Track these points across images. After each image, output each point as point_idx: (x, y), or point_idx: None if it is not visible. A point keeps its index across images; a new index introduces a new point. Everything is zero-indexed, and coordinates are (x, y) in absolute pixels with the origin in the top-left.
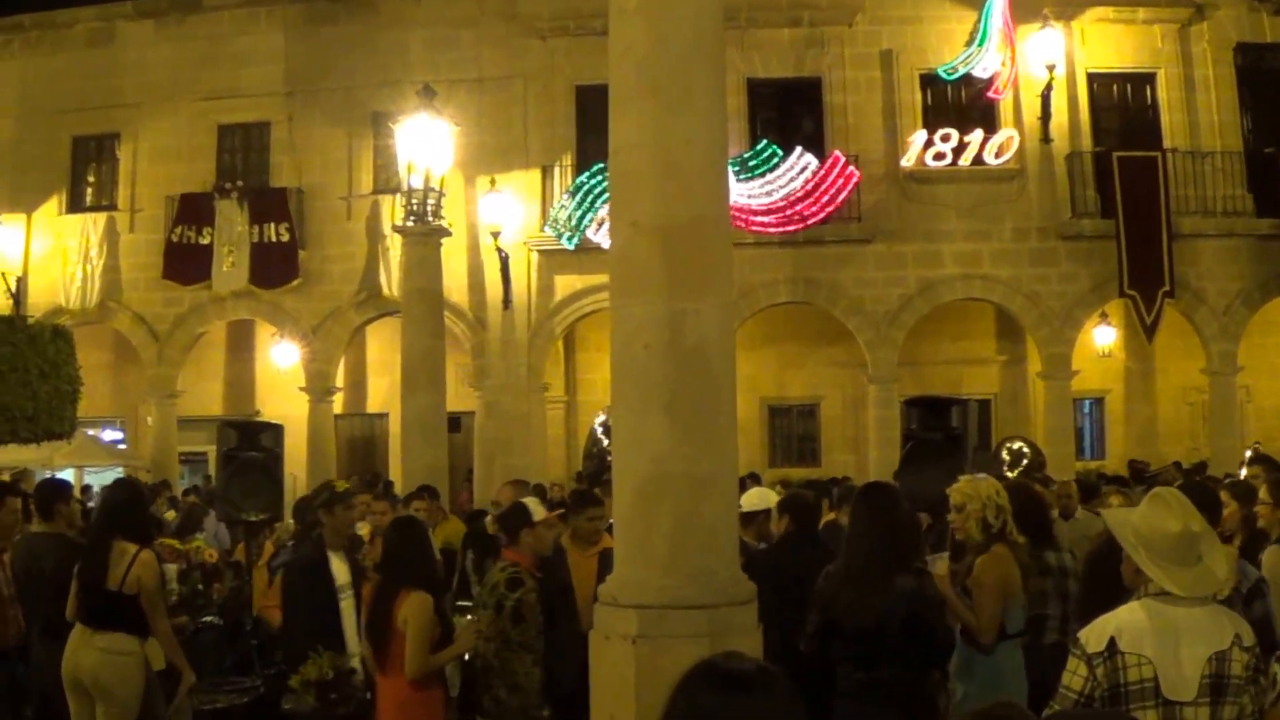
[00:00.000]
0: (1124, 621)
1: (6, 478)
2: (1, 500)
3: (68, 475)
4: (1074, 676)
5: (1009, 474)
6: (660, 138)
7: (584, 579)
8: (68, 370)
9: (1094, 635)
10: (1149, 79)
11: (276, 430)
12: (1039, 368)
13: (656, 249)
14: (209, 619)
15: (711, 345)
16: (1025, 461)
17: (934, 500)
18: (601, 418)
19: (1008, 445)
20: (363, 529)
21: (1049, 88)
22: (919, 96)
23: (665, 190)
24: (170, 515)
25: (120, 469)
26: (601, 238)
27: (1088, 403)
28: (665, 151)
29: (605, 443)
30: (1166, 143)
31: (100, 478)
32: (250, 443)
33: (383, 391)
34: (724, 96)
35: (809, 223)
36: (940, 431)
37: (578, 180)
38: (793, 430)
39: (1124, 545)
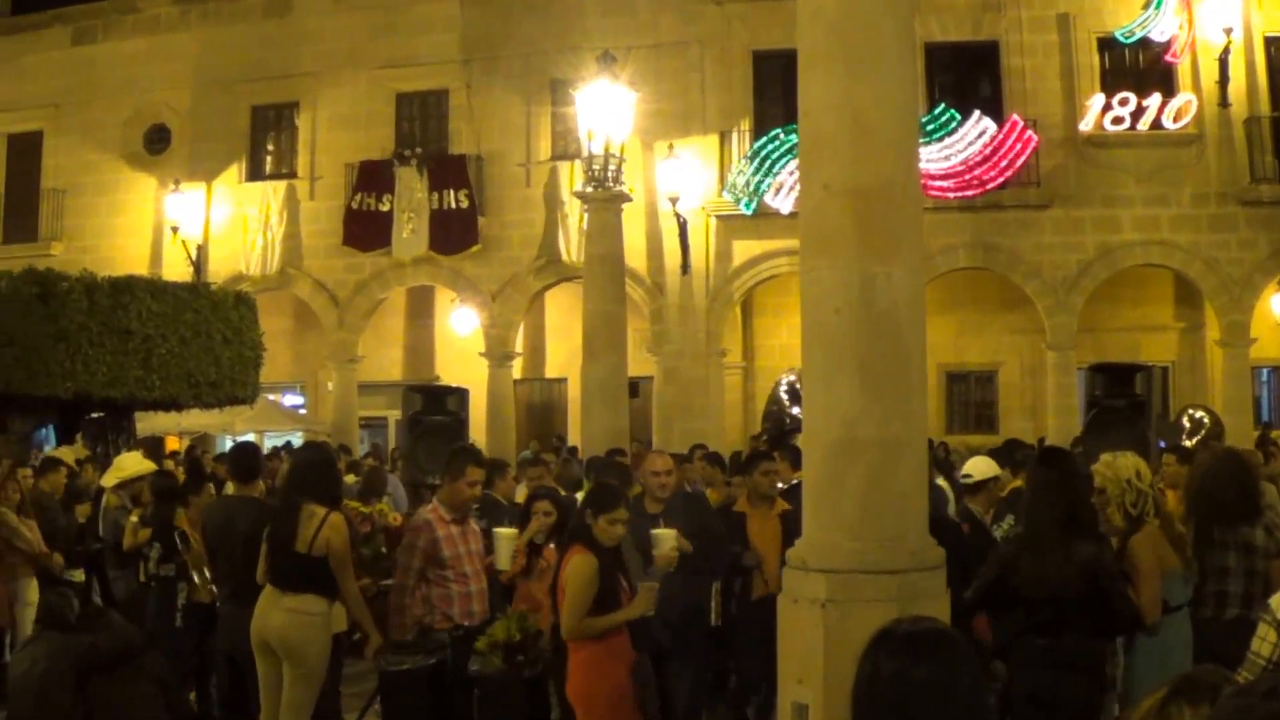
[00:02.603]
0: None
1: (187, 443)
2: (201, 486)
3: (248, 439)
4: (1263, 643)
5: (1188, 442)
6: (850, 100)
7: (767, 540)
8: (250, 336)
9: None
10: None
11: (461, 394)
12: (1217, 335)
13: (847, 212)
14: (390, 582)
15: (902, 309)
16: (1204, 430)
17: None
18: (785, 380)
19: (1189, 413)
20: (520, 494)
21: (1226, 51)
22: (1096, 60)
23: (856, 153)
24: (350, 479)
25: (300, 434)
26: (780, 203)
27: (1265, 371)
28: (856, 114)
29: (787, 404)
30: None
31: (276, 442)
32: (436, 407)
33: (561, 356)
34: (913, 58)
35: (987, 187)
36: (1124, 398)
37: (755, 145)
38: (970, 397)
39: None
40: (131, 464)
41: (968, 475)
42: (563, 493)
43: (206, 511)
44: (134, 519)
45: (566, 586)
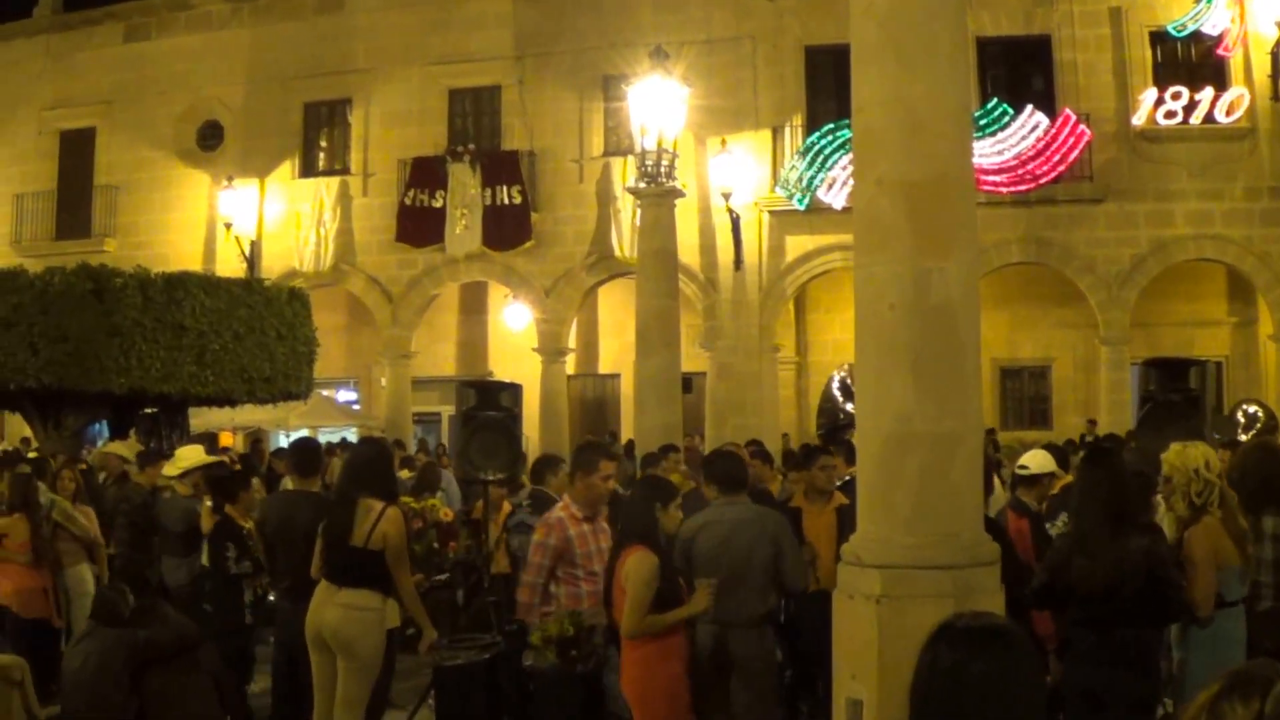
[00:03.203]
0: None
1: (240, 439)
2: (248, 482)
3: (301, 435)
4: None
5: (1242, 437)
6: (903, 94)
7: (821, 535)
8: (304, 332)
9: None
10: None
11: (515, 390)
12: (1270, 330)
13: (901, 207)
14: (442, 577)
15: (956, 304)
16: (1259, 425)
17: None
18: (838, 375)
19: (1243, 408)
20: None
21: (1279, 44)
22: (1149, 54)
23: (910, 147)
24: (404, 474)
25: (354, 429)
26: (833, 198)
27: None
28: (909, 108)
29: (840, 400)
30: None
31: (330, 438)
32: (489, 402)
33: (614, 352)
34: (965, 52)
35: (1040, 182)
36: (1178, 393)
37: (808, 140)
38: (1024, 392)
39: None
40: (192, 455)
41: (1024, 467)
42: (621, 490)
43: (266, 507)
44: (208, 504)
45: (627, 585)
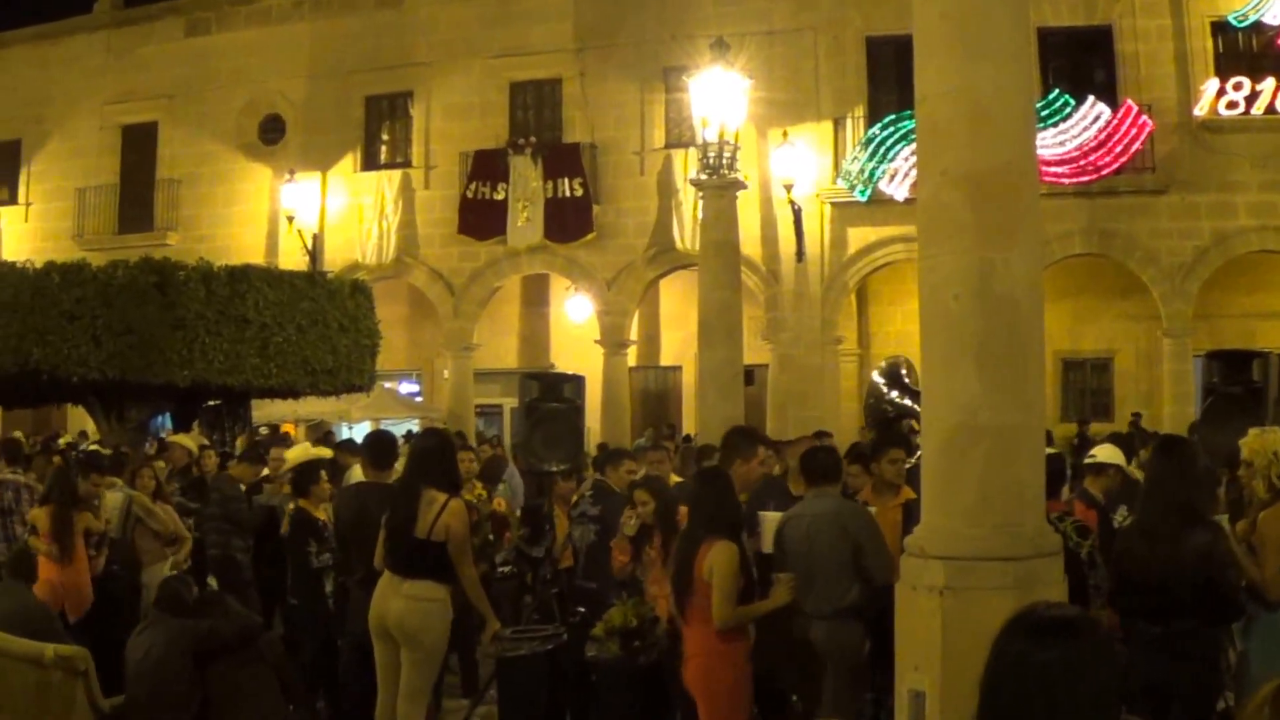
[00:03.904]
0: None
1: (303, 430)
2: (318, 475)
3: (364, 428)
4: None
5: None
6: (967, 85)
7: (887, 529)
8: (367, 324)
9: None
10: None
11: (578, 381)
12: None
13: (965, 198)
14: (504, 569)
15: (1021, 295)
16: None
17: (1234, 455)
18: (878, 372)
19: None
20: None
21: None
22: (1210, 44)
23: (974, 138)
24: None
25: (416, 421)
26: (895, 189)
27: None
28: (973, 99)
29: (887, 393)
30: None
31: (394, 430)
32: (552, 394)
33: (676, 345)
34: (1028, 42)
35: (1103, 173)
36: (1241, 385)
37: (869, 132)
38: (1086, 384)
39: None
40: (298, 452)
41: (1092, 456)
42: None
43: (341, 498)
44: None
45: (714, 577)
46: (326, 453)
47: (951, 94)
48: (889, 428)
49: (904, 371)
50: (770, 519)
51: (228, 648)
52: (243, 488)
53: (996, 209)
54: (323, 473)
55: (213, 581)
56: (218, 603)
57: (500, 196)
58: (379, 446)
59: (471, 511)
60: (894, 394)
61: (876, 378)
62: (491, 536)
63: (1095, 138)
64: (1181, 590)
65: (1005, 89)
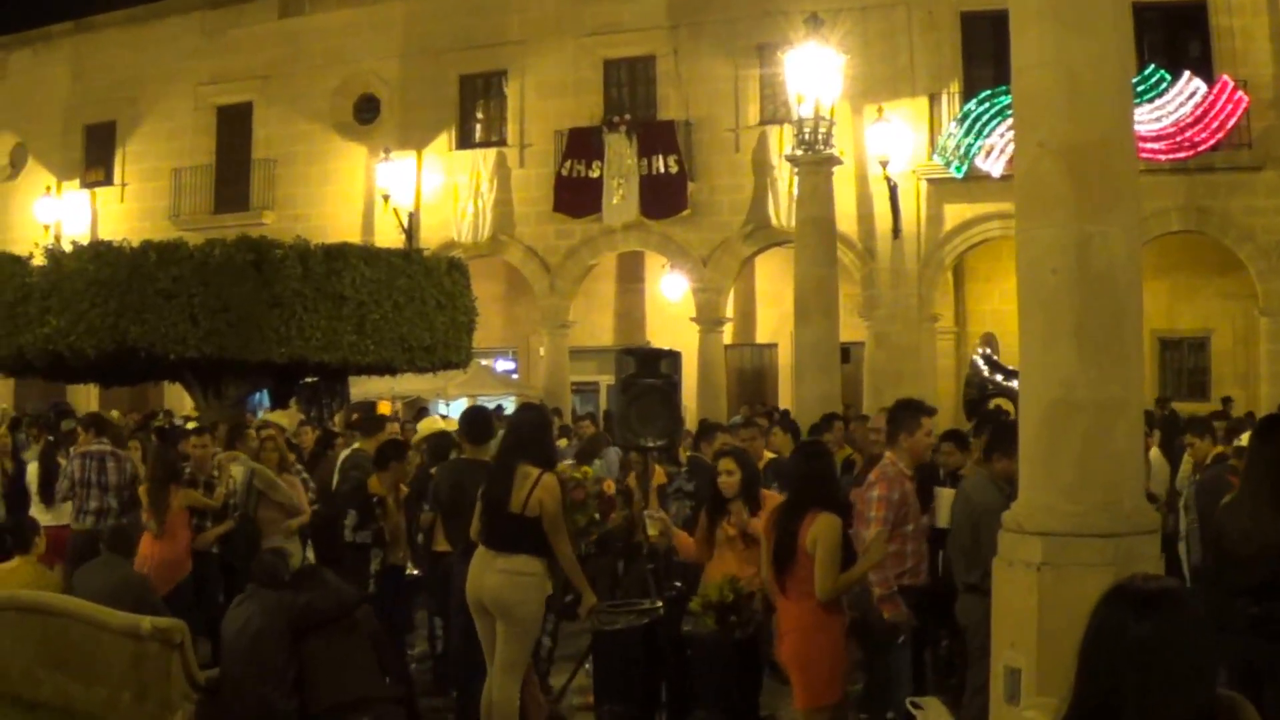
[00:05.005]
0: None
1: (400, 407)
2: (402, 454)
3: (460, 404)
4: None
5: None
6: (1064, 56)
7: None
8: (463, 301)
9: None
10: None
11: (675, 357)
12: None
13: (1063, 170)
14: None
15: (1119, 269)
16: None
17: None
18: (981, 350)
19: None
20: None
21: None
22: None
23: (1071, 109)
24: (563, 443)
25: (512, 398)
26: (991, 165)
27: None
28: (1070, 70)
29: (986, 373)
30: None
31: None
32: (649, 369)
33: (772, 322)
34: (1126, 14)
35: (1199, 150)
36: None
37: (965, 108)
38: (1183, 364)
39: None
40: (430, 424)
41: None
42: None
43: (439, 474)
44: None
45: (818, 548)
46: (452, 424)
47: (1048, 65)
48: (978, 410)
49: (989, 351)
50: (945, 495)
51: (324, 621)
52: None
53: (1094, 181)
54: (411, 453)
55: (310, 554)
56: (314, 576)
57: (595, 174)
58: (474, 423)
59: (578, 489)
60: (998, 376)
61: (977, 359)
62: (597, 515)
63: (1191, 114)
64: (1276, 571)
65: (1102, 59)
